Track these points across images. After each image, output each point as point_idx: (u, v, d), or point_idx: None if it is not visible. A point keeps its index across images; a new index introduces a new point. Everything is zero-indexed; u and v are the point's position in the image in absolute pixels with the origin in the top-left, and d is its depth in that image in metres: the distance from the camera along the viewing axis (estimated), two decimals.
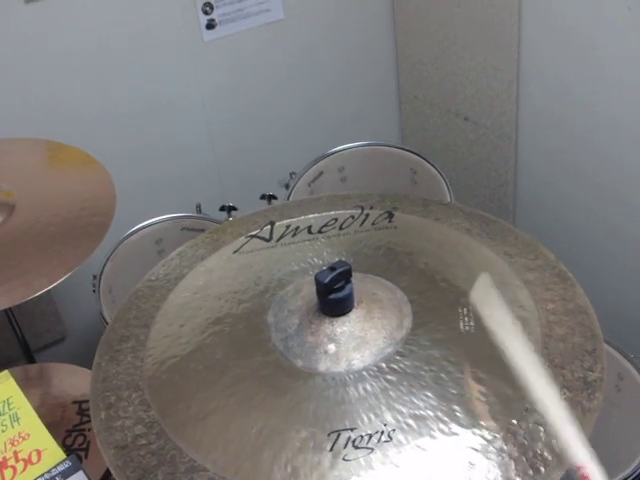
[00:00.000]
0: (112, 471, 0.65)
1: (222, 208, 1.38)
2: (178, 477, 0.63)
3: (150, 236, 1.36)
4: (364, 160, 1.48)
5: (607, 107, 1.32)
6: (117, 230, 1.13)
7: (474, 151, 1.65)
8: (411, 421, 0.65)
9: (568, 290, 0.80)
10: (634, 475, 0.96)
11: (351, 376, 0.70)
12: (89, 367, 0.73)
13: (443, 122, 1.72)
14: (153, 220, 1.36)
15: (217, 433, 0.66)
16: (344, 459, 0.62)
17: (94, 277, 1.25)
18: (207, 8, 1.51)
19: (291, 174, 1.42)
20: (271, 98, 1.68)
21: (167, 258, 0.93)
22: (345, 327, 0.73)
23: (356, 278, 0.76)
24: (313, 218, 0.96)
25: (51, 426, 0.75)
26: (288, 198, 1.38)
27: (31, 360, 1.32)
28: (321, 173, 1.44)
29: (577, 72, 1.35)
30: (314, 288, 0.76)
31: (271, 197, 1.39)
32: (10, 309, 1.22)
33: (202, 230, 1.35)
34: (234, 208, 1.37)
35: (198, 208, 1.42)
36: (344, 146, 1.47)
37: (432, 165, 1.40)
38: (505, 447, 0.63)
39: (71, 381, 1.10)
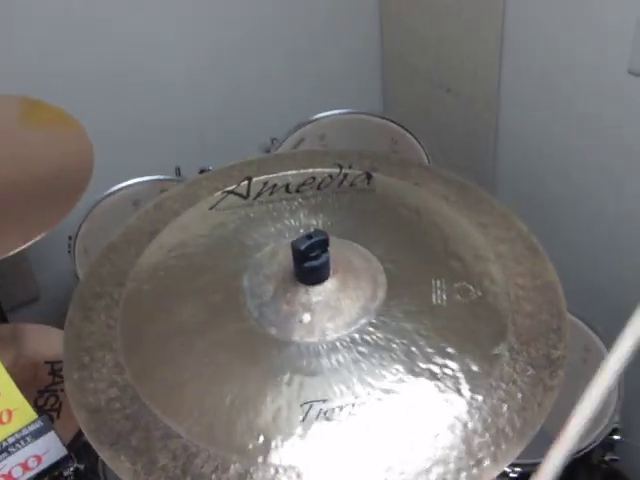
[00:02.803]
0: (86, 434, 0.67)
1: (202, 171, 1.36)
2: (152, 443, 0.65)
3: (128, 198, 1.34)
4: (345, 128, 1.46)
5: (591, 77, 1.30)
6: (94, 191, 1.10)
7: (456, 121, 1.63)
8: (381, 394, 0.67)
9: (538, 265, 0.81)
10: (596, 443, 0.99)
11: (324, 346, 0.71)
12: (63, 328, 0.73)
13: (426, 91, 1.69)
14: (131, 182, 1.35)
15: (192, 401, 0.68)
16: (315, 429, 0.65)
17: (69, 238, 1.24)
18: None
19: (272, 140, 1.40)
20: (252, 60, 1.64)
21: (141, 210, 0.92)
22: (320, 296, 0.74)
23: (332, 243, 0.76)
24: (291, 175, 0.95)
25: (23, 386, 0.75)
26: None
27: (4, 320, 1.31)
28: (302, 140, 1.43)
29: (562, 44, 1.33)
30: (290, 253, 0.76)
31: None
32: None
33: None
34: None
35: (177, 171, 1.40)
36: (325, 113, 1.46)
37: (412, 135, 1.40)
38: (470, 424, 0.65)
39: (44, 342, 1.10)
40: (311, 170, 0.96)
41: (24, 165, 1.03)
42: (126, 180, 1.35)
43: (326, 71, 1.75)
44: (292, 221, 0.87)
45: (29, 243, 0.88)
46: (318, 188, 0.93)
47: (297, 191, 0.92)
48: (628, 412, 1.08)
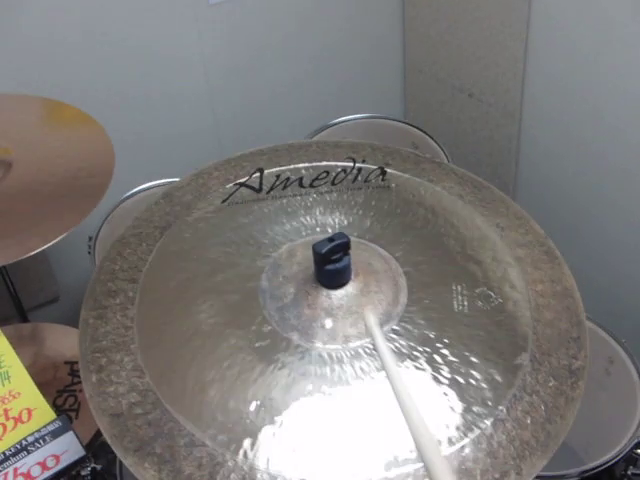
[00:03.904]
0: (108, 440, 0.65)
1: None
2: (177, 450, 0.64)
3: (148, 199, 1.31)
4: (366, 132, 1.45)
5: (615, 88, 1.30)
6: (114, 192, 1.10)
7: (477, 128, 1.63)
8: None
9: (556, 270, 0.81)
10: (619, 457, 0.99)
11: (347, 353, 0.71)
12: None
13: (447, 97, 1.69)
14: (151, 183, 1.35)
15: (215, 406, 0.67)
16: (341, 438, 0.64)
17: (90, 239, 1.23)
18: None
19: None
20: (274, 65, 1.64)
21: (151, 202, 0.90)
22: (342, 301, 0.74)
23: (351, 244, 0.75)
24: (304, 168, 0.93)
25: (42, 386, 0.74)
26: None
27: (24, 319, 1.30)
28: None
29: (587, 52, 1.32)
30: (309, 253, 0.75)
31: None
32: (4, 268, 1.20)
33: None
34: None
35: None
36: (346, 117, 1.45)
37: (434, 140, 1.39)
38: (495, 436, 0.66)
39: (64, 342, 1.09)
40: (324, 163, 0.94)
41: (45, 166, 1.02)
42: (146, 182, 1.35)
43: (347, 76, 1.76)
44: (308, 218, 0.86)
45: (49, 244, 0.87)
46: (332, 183, 0.91)
47: (311, 186, 0.91)
48: None
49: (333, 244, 0.73)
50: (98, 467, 0.82)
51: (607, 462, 0.97)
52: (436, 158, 0.97)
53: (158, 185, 1.35)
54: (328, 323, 0.72)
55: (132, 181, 1.34)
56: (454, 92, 1.64)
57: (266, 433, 0.65)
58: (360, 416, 0.66)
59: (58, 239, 0.87)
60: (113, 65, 1.46)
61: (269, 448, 0.64)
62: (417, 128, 1.44)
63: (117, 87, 1.48)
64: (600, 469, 0.97)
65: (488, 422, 0.66)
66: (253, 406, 0.66)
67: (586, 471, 0.97)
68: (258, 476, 0.62)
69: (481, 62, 1.55)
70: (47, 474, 0.73)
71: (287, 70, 1.68)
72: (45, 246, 0.86)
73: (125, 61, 1.47)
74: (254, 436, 0.65)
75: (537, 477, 0.95)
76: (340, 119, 1.46)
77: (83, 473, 0.80)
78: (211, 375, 0.69)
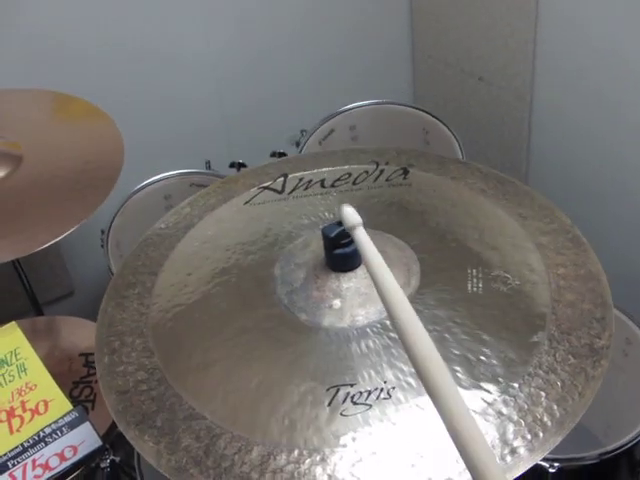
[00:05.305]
0: (112, 415, 0.66)
1: (232, 165, 1.37)
2: (176, 424, 0.64)
3: (159, 192, 1.35)
4: (376, 119, 1.45)
5: (627, 69, 1.27)
6: (126, 185, 1.12)
7: (488, 112, 1.62)
8: (411, 380, 0.65)
9: (581, 255, 0.78)
10: (639, 439, 0.95)
11: (354, 332, 0.69)
12: (97, 321, 0.74)
13: (457, 82, 1.68)
14: (162, 175, 1.35)
15: (217, 383, 0.67)
16: (342, 414, 0.62)
17: (102, 232, 1.25)
18: None
19: (302, 131, 1.40)
20: (282, 53, 1.65)
21: (178, 207, 0.93)
22: (351, 283, 0.73)
23: (365, 233, 0.75)
24: (326, 172, 0.94)
25: (58, 378, 0.76)
26: None
27: (40, 314, 1.33)
28: (332, 131, 1.42)
29: (598, 32, 1.30)
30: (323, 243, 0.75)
31: (281, 154, 1.36)
32: (19, 263, 1.23)
33: None
34: (244, 165, 1.36)
35: (207, 164, 1.41)
36: (356, 104, 1.45)
37: (445, 125, 1.37)
38: (504, 410, 0.62)
39: (79, 334, 1.11)
40: (347, 167, 0.95)
41: (55, 160, 1.04)
42: (157, 174, 1.35)
43: (356, 61, 1.74)
44: (326, 214, 0.87)
45: (60, 237, 0.89)
46: (354, 183, 0.92)
47: (332, 186, 0.92)
48: None
49: (342, 228, 0.73)
50: (117, 459, 0.82)
51: (626, 444, 0.94)
52: (447, 145, 0.95)
53: (170, 177, 1.35)
54: (336, 304, 0.72)
55: (144, 173, 1.34)
56: (464, 76, 1.62)
57: (265, 407, 0.64)
58: (362, 393, 0.64)
59: (68, 232, 0.89)
60: (122, 59, 1.46)
61: (267, 421, 0.63)
62: (428, 113, 1.41)
63: (126, 80, 1.48)
64: (619, 451, 0.93)
65: (497, 397, 0.63)
66: (254, 382, 0.66)
67: (605, 453, 0.93)
68: (254, 449, 0.61)
69: (490, 45, 1.53)
70: (65, 465, 0.74)
71: (296, 59, 1.66)
72: (56, 239, 0.88)
73: (134, 55, 1.47)
74: (253, 410, 0.64)
75: (556, 460, 0.90)
76: (350, 106, 1.44)
77: (102, 465, 0.80)
78: (216, 354, 0.69)
